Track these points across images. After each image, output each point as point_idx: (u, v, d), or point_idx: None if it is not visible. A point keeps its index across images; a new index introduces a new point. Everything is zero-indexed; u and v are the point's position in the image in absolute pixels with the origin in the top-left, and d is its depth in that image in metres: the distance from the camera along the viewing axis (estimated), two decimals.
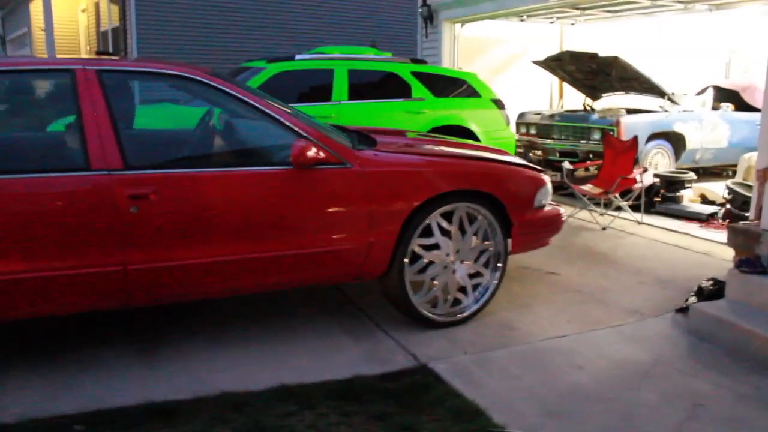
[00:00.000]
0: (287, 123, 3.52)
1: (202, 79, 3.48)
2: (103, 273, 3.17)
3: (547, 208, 4.40)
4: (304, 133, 3.50)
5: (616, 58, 8.69)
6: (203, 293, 3.52)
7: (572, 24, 11.55)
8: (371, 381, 3.36)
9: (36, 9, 19.86)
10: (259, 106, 3.52)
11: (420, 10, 10.81)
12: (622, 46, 10.30)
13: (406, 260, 3.79)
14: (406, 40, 14.43)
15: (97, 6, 17.57)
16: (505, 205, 4.02)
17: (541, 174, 4.38)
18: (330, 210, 3.56)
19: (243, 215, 3.38)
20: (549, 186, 4.40)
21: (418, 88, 7.47)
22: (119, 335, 3.83)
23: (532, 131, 9.46)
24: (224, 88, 3.49)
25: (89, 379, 3.34)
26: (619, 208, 7.03)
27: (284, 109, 3.62)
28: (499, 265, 4.13)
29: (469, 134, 7.50)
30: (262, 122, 3.56)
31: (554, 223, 4.47)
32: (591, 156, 8.34)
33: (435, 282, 3.93)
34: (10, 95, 3.73)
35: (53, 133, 3.48)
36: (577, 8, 9.75)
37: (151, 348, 3.68)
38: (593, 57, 8.91)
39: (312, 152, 3.39)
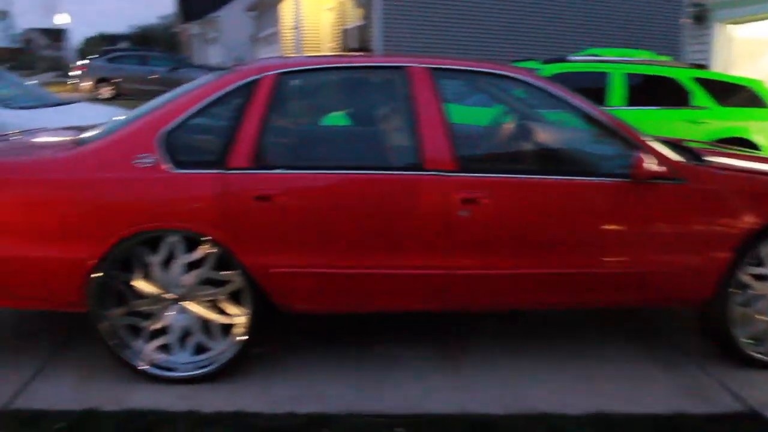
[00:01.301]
0: (623, 133, 3.28)
1: (533, 82, 3.35)
2: (427, 275, 3.15)
3: None
4: (641, 145, 3.24)
5: None
6: (519, 304, 3.40)
7: None
8: (697, 421, 3.03)
9: (285, 10, 21.35)
10: (593, 113, 3.31)
11: (690, 10, 10.02)
12: None
13: (732, 290, 3.40)
14: (668, 42, 13.54)
15: (342, 4, 18.47)
16: None
17: None
18: (660, 228, 3.27)
19: (568, 226, 3.20)
20: None
21: (699, 96, 6.87)
22: (416, 336, 3.82)
23: None
24: (558, 93, 3.33)
25: (395, 378, 3.34)
26: None
27: (616, 117, 3.39)
28: None
29: (752, 149, 6.78)
30: (590, 129, 3.36)
31: None
32: None
33: (761, 317, 3.49)
34: (343, 91, 3.85)
35: (386, 131, 3.52)
36: None
37: (453, 353, 3.62)
38: None
39: (652, 165, 3.13)
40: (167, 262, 3.10)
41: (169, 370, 3.20)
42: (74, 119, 6.43)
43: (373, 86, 3.67)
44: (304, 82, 3.42)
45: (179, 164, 3.01)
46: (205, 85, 3.20)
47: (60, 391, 3.12)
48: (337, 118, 3.97)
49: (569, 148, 3.63)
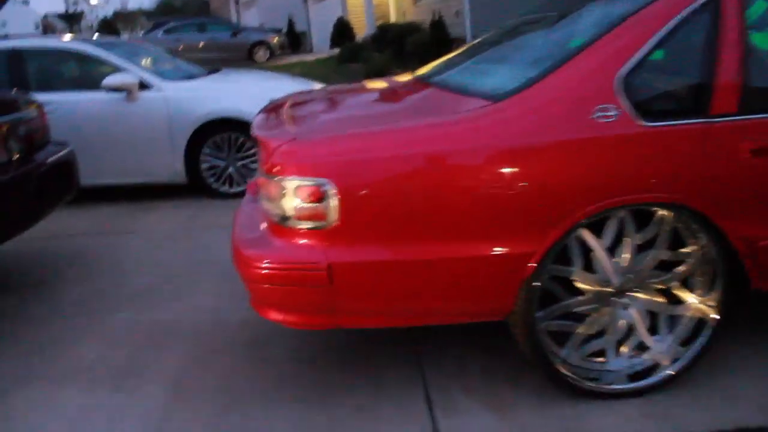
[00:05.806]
0: None
1: None
2: None
3: None
4: None
5: None
6: None
7: None
8: None
9: None
10: None
11: None
12: None
13: None
14: None
15: None
16: None
17: None
18: None
19: None
20: None
21: None
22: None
23: None
24: None
25: None
26: None
27: None
28: None
29: None
30: None
31: None
32: None
33: None
34: None
35: None
36: None
37: None
38: None
39: None
40: (613, 246, 2.38)
41: (596, 380, 2.50)
42: (251, 87, 5.94)
43: None
44: None
45: (650, 116, 2.25)
46: (649, 7, 2.36)
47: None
48: None
49: None
